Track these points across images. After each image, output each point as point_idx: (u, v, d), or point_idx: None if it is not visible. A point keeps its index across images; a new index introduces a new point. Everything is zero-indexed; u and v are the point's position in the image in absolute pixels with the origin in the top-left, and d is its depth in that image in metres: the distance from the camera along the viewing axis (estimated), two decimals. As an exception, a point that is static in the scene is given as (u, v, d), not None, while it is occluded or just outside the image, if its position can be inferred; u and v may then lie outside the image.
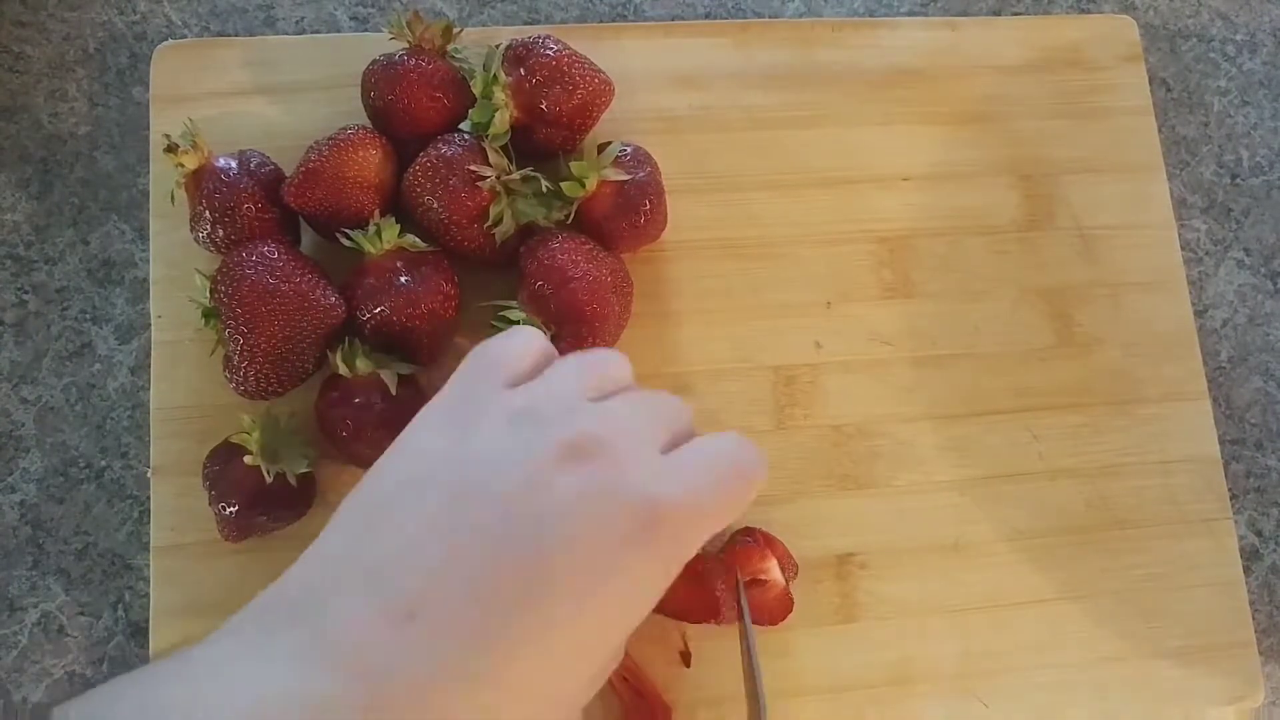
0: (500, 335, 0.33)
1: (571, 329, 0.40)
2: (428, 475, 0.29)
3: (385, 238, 0.40)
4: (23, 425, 0.44)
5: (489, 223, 0.41)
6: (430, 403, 0.32)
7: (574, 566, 0.27)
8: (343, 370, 0.39)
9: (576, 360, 0.33)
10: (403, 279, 0.40)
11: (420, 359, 0.41)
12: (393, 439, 0.39)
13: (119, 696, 0.26)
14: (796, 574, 0.41)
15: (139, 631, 0.42)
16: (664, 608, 0.39)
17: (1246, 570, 0.45)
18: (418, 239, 0.40)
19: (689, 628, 0.41)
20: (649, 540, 0.28)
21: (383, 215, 0.40)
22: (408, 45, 0.42)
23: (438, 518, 0.28)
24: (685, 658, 0.41)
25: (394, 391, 0.39)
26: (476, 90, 0.41)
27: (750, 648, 0.39)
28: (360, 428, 0.39)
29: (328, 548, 0.29)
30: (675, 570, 0.29)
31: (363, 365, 0.39)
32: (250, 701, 0.25)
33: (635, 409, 0.31)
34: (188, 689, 0.25)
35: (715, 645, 0.41)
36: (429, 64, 0.41)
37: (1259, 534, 0.48)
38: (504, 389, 0.31)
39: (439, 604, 0.26)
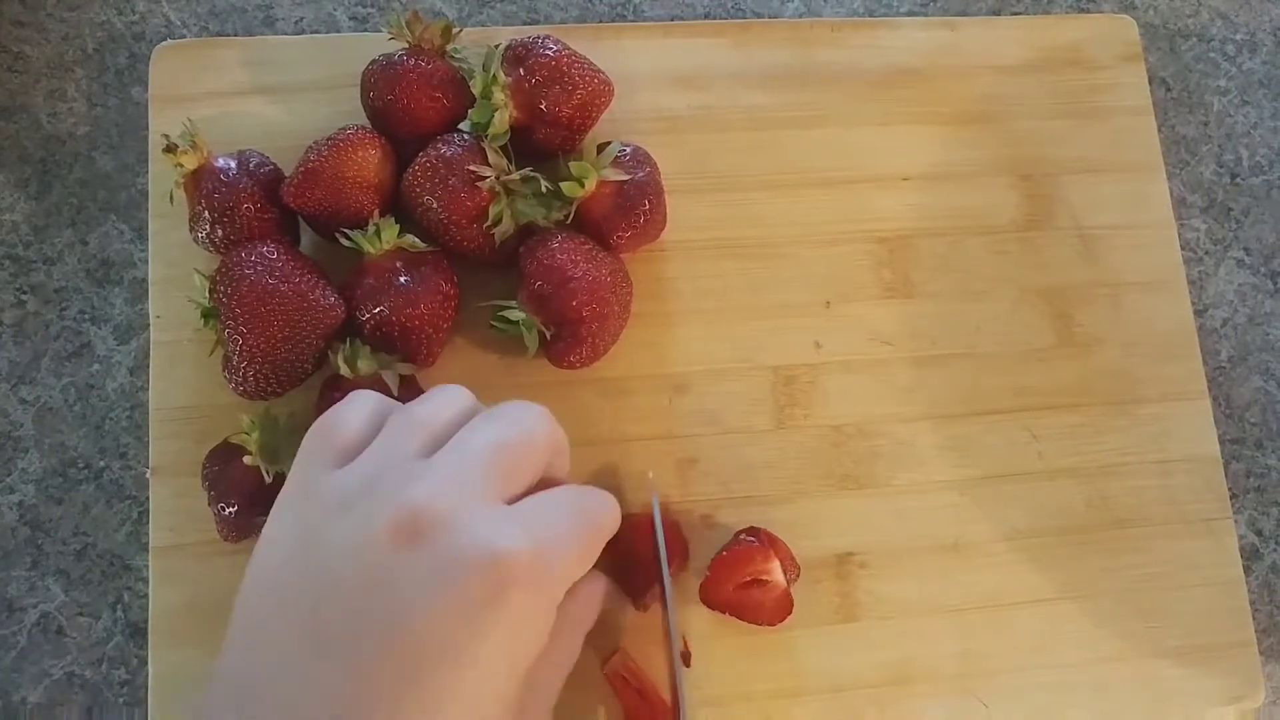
0: (333, 407, 0.33)
1: (571, 329, 0.40)
2: (283, 593, 0.29)
3: (385, 238, 0.40)
4: (22, 425, 0.43)
5: (488, 223, 0.40)
6: (281, 490, 0.32)
7: (436, 647, 0.27)
8: (344, 370, 0.39)
9: (403, 416, 0.32)
10: (402, 279, 0.40)
11: (419, 359, 0.41)
12: None
13: None
14: (798, 576, 0.41)
15: (138, 632, 0.42)
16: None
17: (1246, 570, 0.45)
18: (417, 239, 0.40)
19: (689, 628, 0.41)
20: (503, 597, 0.28)
21: (382, 215, 0.40)
22: (407, 45, 0.42)
23: (300, 632, 0.28)
24: (686, 657, 0.41)
25: (395, 393, 0.39)
26: (476, 90, 0.41)
27: (672, 640, 0.40)
28: None
29: (218, 680, 0.29)
30: (544, 623, 0.30)
31: (364, 366, 0.39)
32: None
33: (469, 459, 0.30)
34: None
35: (715, 645, 0.41)
36: (428, 64, 0.41)
37: (1259, 534, 0.48)
38: (334, 469, 0.31)
39: (317, 716, 0.27)
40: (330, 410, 0.33)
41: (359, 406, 0.33)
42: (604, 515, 0.33)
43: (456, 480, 0.30)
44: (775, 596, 0.40)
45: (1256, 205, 0.51)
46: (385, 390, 0.39)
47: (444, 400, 0.33)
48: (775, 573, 0.40)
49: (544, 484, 0.33)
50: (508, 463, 0.31)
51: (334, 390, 0.39)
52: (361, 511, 0.29)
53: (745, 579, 0.40)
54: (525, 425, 0.32)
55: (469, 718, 0.28)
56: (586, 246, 0.41)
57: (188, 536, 0.40)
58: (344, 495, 0.30)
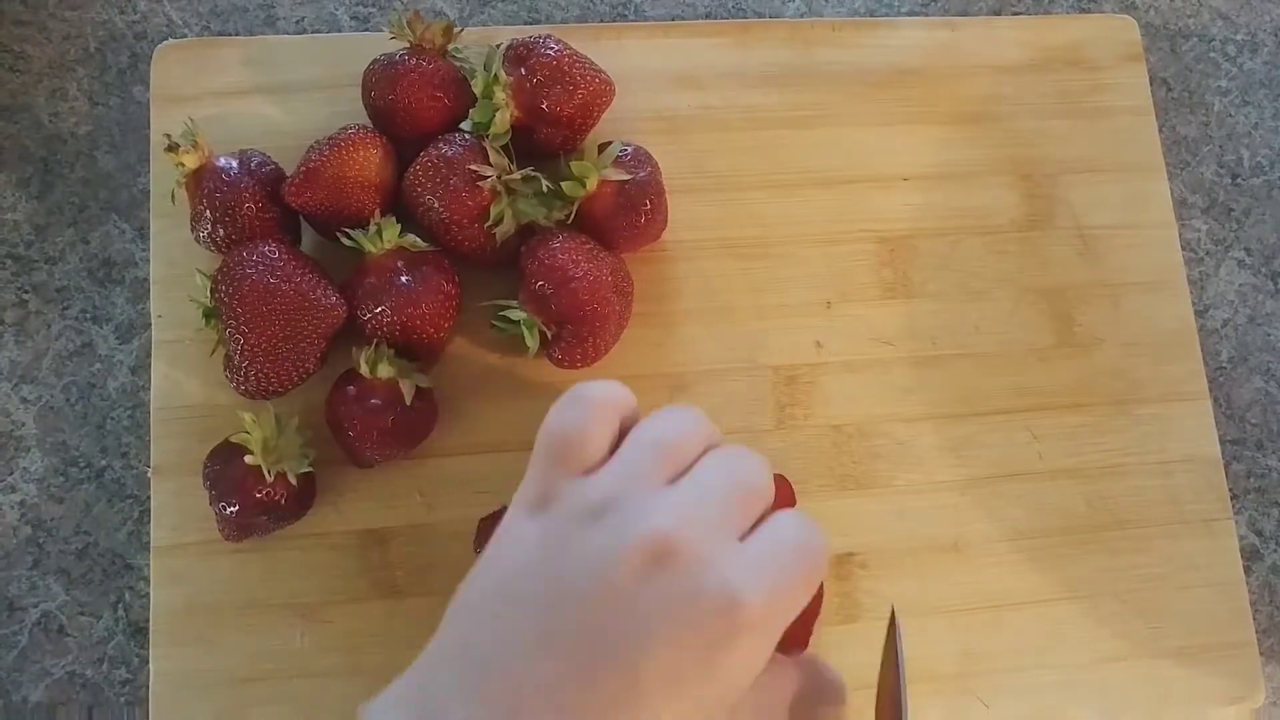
0: (564, 408, 0.32)
1: (572, 329, 0.40)
2: (521, 585, 0.30)
3: (386, 237, 0.40)
4: (23, 425, 0.44)
5: (489, 222, 0.41)
6: (516, 494, 0.32)
7: (662, 674, 0.28)
8: (365, 371, 0.39)
9: (650, 437, 0.32)
10: (403, 278, 0.40)
11: (420, 358, 0.41)
12: (397, 446, 0.39)
13: None
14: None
15: (139, 631, 0.42)
16: None
17: (1247, 570, 0.45)
18: (418, 239, 0.40)
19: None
20: (735, 640, 0.28)
21: (383, 215, 0.40)
22: (408, 45, 0.42)
23: (533, 627, 0.29)
24: None
25: (408, 402, 0.39)
26: (477, 90, 0.41)
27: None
28: (368, 430, 0.39)
29: (440, 647, 0.30)
30: (762, 661, 0.30)
31: (385, 370, 0.39)
32: None
33: (710, 494, 0.31)
34: None
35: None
36: (429, 64, 0.41)
37: (1259, 534, 0.48)
38: (577, 478, 0.31)
39: (539, 704, 0.28)
40: (566, 412, 0.32)
41: (594, 414, 0.32)
42: (822, 549, 0.32)
43: (700, 513, 0.30)
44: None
45: (1257, 206, 0.51)
46: (399, 395, 0.39)
47: (684, 423, 0.33)
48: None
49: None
50: (744, 502, 0.31)
51: (350, 386, 0.39)
52: (607, 528, 0.30)
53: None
54: (758, 467, 0.33)
55: None
56: (588, 246, 0.41)
57: (189, 536, 0.40)
58: (589, 507, 0.30)
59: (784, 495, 0.42)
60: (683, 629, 0.28)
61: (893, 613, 0.38)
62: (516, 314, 0.40)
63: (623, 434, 0.33)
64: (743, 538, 0.31)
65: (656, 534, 0.29)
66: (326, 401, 0.40)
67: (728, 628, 0.28)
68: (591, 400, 0.33)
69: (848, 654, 0.41)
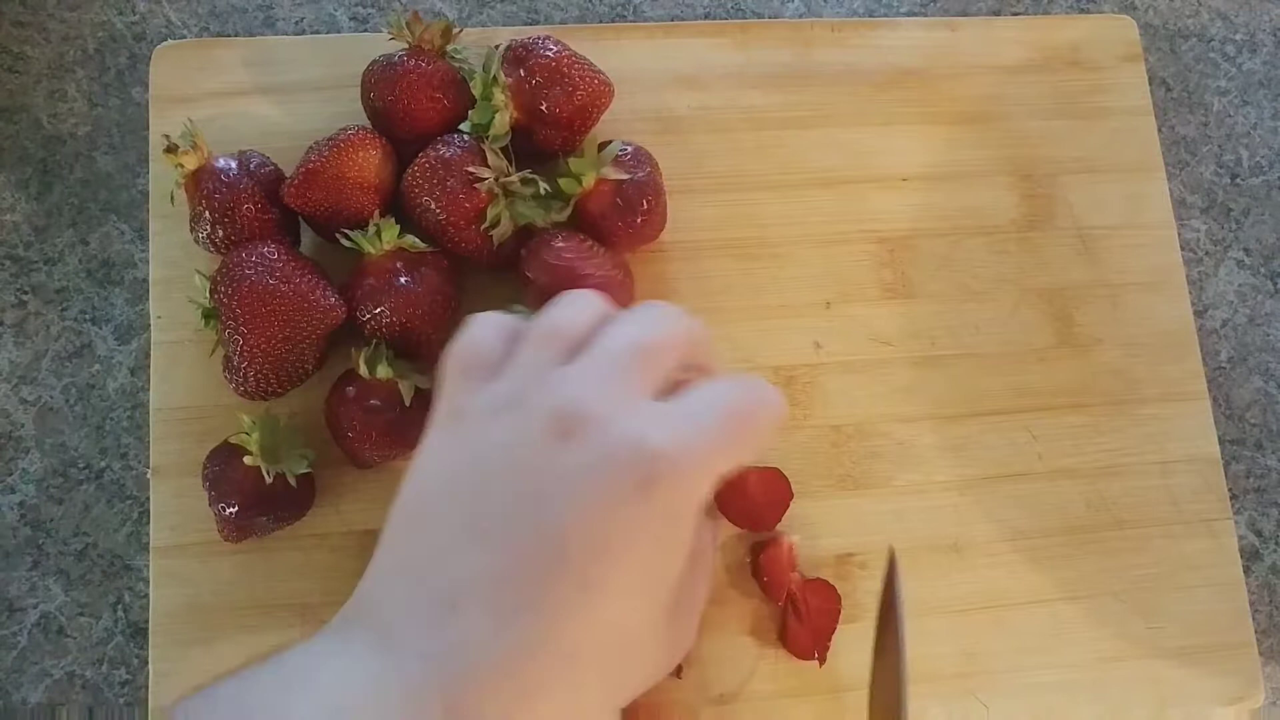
0: (463, 332, 0.34)
1: None
2: (443, 487, 0.30)
3: (385, 238, 0.40)
4: (22, 425, 0.44)
5: (486, 224, 0.40)
6: (432, 417, 0.33)
7: (589, 531, 0.28)
8: (363, 371, 0.39)
9: (541, 329, 0.33)
10: (402, 279, 0.40)
11: (419, 359, 0.41)
12: (397, 447, 0.39)
13: (216, 698, 0.28)
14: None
15: (139, 632, 0.42)
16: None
17: (1246, 570, 0.45)
18: (417, 239, 0.40)
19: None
20: (651, 489, 0.28)
21: (382, 216, 0.40)
22: (407, 45, 0.42)
23: (460, 521, 0.29)
24: (677, 669, 0.40)
25: (407, 403, 0.39)
26: (476, 91, 0.41)
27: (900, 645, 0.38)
28: (367, 430, 0.39)
29: (379, 561, 0.31)
30: (691, 514, 0.30)
31: (383, 371, 0.39)
32: (339, 690, 0.27)
33: (608, 359, 0.31)
34: (279, 687, 0.27)
35: (717, 644, 0.41)
36: (429, 64, 0.41)
37: (1259, 534, 0.48)
38: (480, 384, 0.32)
39: (475, 592, 0.28)
40: (462, 335, 0.33)
41: (490, 327, 0.33)
42: (757, 409, 0.32)
43: (602, 379, 0.31)
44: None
45: (1256, 206, 0.51)
46: (398, 396, 0.39)
47: (576, 307, 0.34)
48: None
49: (698, 375, 0.34)
50: (648, 360, 0.32)
51: (349, 386, 0.39)
52: (516, 416, 0.30)
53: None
54: (659, 323, 0.33)
55: (619, 611, 0.29)
56: (588, 245, 0.41)
57: (188, 536, 0.40)
58: (495, 404, 0.31)
59: (779, 491, 0.42)
60: (596, 487, 0.28)
61: (891, 553, 0.39)
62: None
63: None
64: (661, 399, 0.31)
65: (560, 406, 0.30)
66: (326, 402, 0.40)
67: (641, 477, 0.28)
68: (480, 318, 0.34)
69: (848, 654, 0.42)
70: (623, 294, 0.42)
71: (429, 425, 0.32)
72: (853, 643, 0.42)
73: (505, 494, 0.29)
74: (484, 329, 0.33)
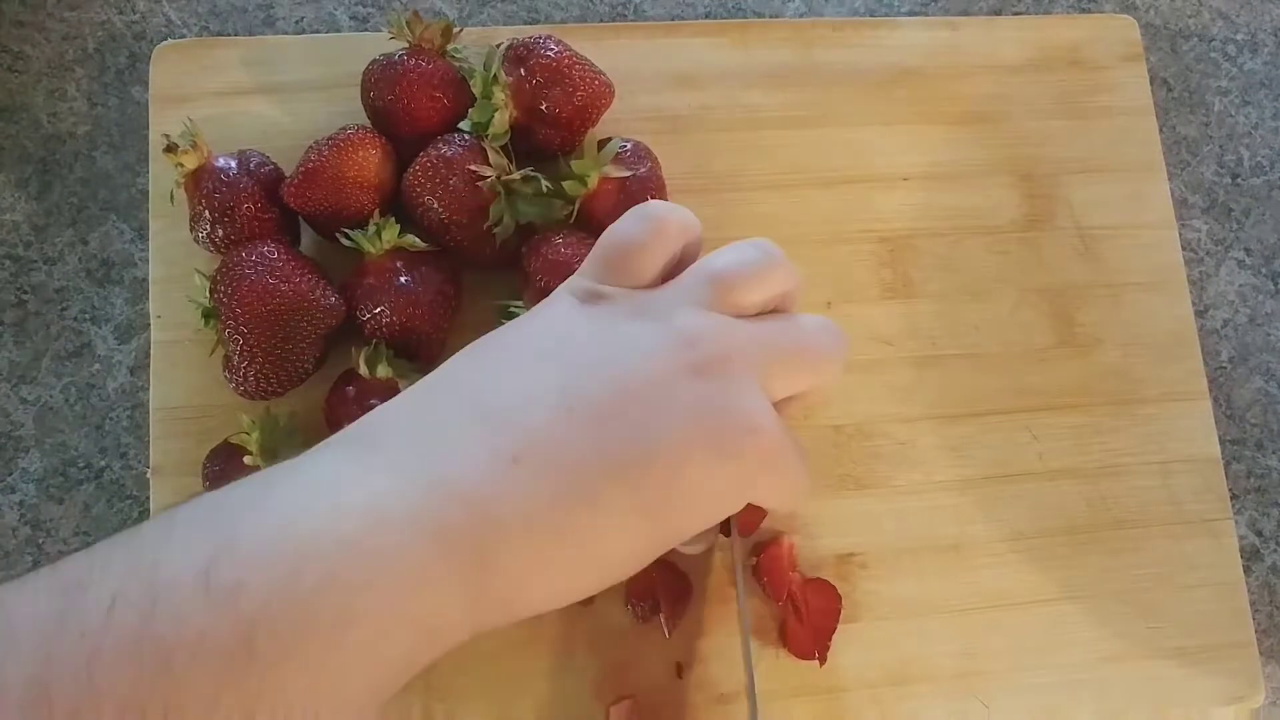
0: (628, 220, 0.34)
1: None
2: (554, 346, 0.31)
3: (385, 238, 0.40)
4: (22, 425, 0.44)
5: (489, 223, 0.40)
6: (562, 285, 0.33)
7: (672, 461, 0.29)
8: (363, 371, 0.39)
9: (710, 269, 0.33)
10: (402, 279, 0.40)
11: (419, 358, 0.41)
12: None
13: (230, 492, 0.27)
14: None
15: (139, 632, 0.42)
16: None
17: (1247, 570, 0.45)
18: (417, 239, 0.40)
19: (685, 641, 0.41)
20: (741, 458, 0.30)
21: (382, 216, 0.40)
22: (407, 45, 0.42)
23: (558, 382, 0.29)
24: (679, 669, 0.40)
25: None
26: (476, 90, 0.41)
27: (745, 642, 0.39)
28: None
29: (442, 383, 0.30)
30: (745, 497, 0.31)
31: (383, 370, 0.39)
32: (360, 502, 0.26)
33: (763, 337, 0.32)
34: (296, 487, 0.27)
35: (717, 644, 0.41)
36: (429, 64, 0.41)
37: (1259, 534, 0.48)
38: (631, 282, 0.32)
39: (542, 457, 0.28)
40: (630, 224, 0.33)
41: (660, 231, 0.33)
42: (844, 348, 0.35)
43: (742, 344, 0.31)
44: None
45: (1257, 206, 0.51)
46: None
47: (747, 262, 0.34)
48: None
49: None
50: (783, 364, 0.33)
51: (349, 387, 0.39)
52: (656, 323, 0.31)
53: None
54: (810, 336, 0.34)
55: (658, 540, 0.30)
56: (589, 242, 0.41)
57: (188, 536, 0.40)
58: (638, 308, 0.31)
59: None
60: (703, 431, 0.29)
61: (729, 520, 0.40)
62: (520, 309, 0.40)
63: (684, 265, 0.34)
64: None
65: (696, 340, 0.30)
66: (326, 402, 0.40)
67: (740, 447, 0.30)
68: (657, 217, 0.34)
69: (848, 654, 0.42)
70: None
71: (557, 291, 0.33)
72: (853, 643, 0.42)
73: (616, 387, 0.29)
74: (650, 229, 0.33)
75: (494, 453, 0.28)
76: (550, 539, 0.28)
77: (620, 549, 0.29)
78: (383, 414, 0.30)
